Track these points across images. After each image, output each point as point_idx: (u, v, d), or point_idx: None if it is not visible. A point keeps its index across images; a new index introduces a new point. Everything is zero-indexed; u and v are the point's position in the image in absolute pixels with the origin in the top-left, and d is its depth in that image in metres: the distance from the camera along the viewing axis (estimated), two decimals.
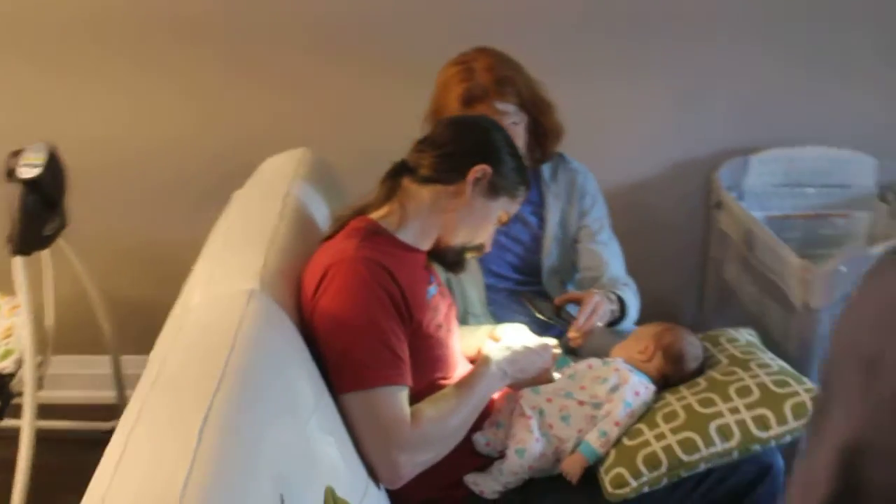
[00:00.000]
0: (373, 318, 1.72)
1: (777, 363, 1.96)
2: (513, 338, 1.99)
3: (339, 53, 2.97)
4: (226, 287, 1.78)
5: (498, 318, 2.41)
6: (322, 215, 2.26)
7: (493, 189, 1.88)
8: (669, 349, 1.98)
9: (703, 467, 1.81)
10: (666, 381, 1.98)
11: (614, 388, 1.91)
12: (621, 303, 2.22)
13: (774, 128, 3.12)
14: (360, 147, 2.75)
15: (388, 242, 1.85)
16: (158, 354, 1.58)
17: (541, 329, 2.32)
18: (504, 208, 1.93)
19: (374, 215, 1.89)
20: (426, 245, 1.92)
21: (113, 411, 2.93)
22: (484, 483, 1.86)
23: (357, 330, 1.72)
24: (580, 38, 2.97)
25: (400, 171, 1.91)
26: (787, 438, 1.81)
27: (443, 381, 1.91)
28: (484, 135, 1.90)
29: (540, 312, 2.12)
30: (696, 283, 3.33)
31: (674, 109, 3.10)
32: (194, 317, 1.66)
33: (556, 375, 1.99)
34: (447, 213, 1.87)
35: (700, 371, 1.99)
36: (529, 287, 2.41)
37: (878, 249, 2.32)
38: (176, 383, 1.43)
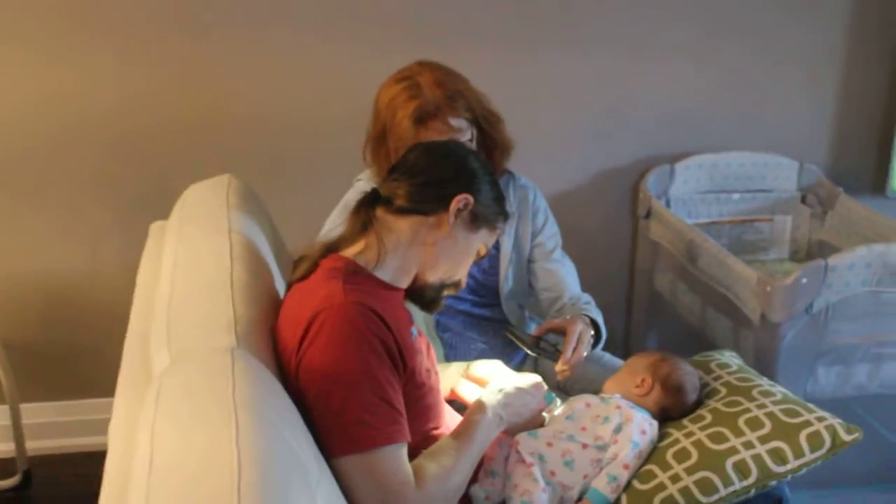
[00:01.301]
0: (369, 370, 1.54)
1: (778, 389, 1.88)
2: (502, 378, 1.83)
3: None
4: (199, 344, 1.56)
5: (448, 344, 2.25)
6: (265, 250, 2.04)
7: (474, 220, 1.72)
8: (668, 381, 1.86)
9: None
10: (665, 415, 1.87)
11: (618, 428, 1.78)
12: (594, 325, 2.10)
13: (698, 135, 3.10)
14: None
15: (369, 282, 1.67)
16: (142, 427, 1.34)
17: (498, 357, 2.18)
18: (483, 241, 1.77)
19: (349, 252, 1.70)
20: (405, 283, 1.75)
21: (9, 466, 2.61)
22: None
23: (353, 385, 1.53)
24: (500, 49, 2.85)
25: (372, 202, 1.72)
26: (803, 471, 1.71)
27: (436, 432, 1.73)
28: (462, 161, 1.74)
29: (527, 346, 1.97)
30: (624, 295, 3.25)
31: (596, 121, 3.03)
32: (175, 381, 1.43)
33: (546, 416, 1.84)
34: (427, 246, 1.71)
35: (699, 402, 1.88)
36: (487, 310, 2.27)
37: (836, 260, 2.28)
38: (186, 470, 1.20)
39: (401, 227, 1.70)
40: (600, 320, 2.16)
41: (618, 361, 2.24)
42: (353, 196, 2.20)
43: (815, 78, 3.08)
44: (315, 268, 1.71)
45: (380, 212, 1.72)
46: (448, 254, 1.73)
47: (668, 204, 3.04)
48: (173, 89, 2.74)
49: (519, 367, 2.32)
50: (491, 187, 1.76)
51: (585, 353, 1.96)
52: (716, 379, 1.95)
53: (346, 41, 2.77)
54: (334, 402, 1.52)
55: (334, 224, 2.18)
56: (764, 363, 2.42)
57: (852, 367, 2.46)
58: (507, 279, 2.25)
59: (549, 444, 1.78)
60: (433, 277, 1.76)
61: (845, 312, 2.38)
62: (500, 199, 1.78)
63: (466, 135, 2.05)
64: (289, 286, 1.76)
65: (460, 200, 1.68)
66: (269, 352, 1.63)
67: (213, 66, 2.73)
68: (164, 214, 2.31)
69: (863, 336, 2.43)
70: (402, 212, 1.70)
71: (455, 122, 2.02)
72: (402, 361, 1.60)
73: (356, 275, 1.66)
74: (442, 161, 1.74)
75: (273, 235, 2.20)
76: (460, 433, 1.71)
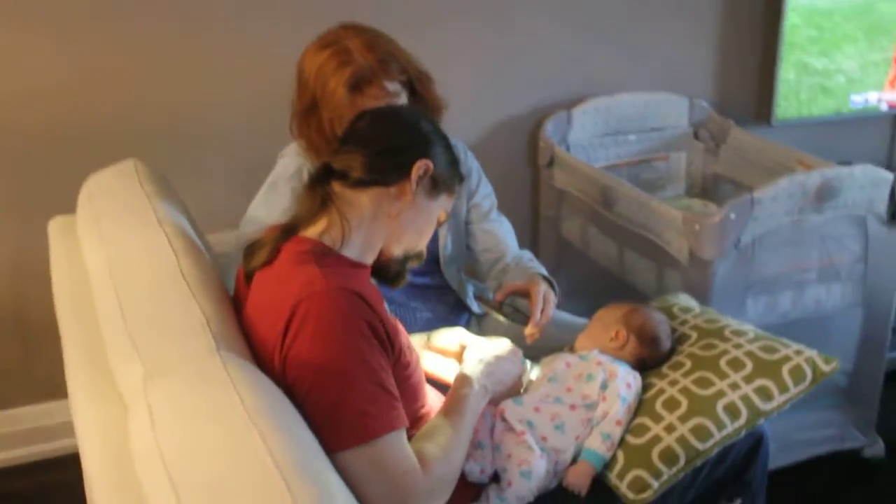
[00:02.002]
0: (362, 357, 1.44)
1: (748, 327, 1.89)
2: (478, 348, 1.76)
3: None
4: (176, 351, 1.41)
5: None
6: (197, 240, 1.89)
7: (434, 186, 1.64)
8: (642, 331, 1.84)
9: (715, 452, 1.68)
10: (642, 365, 1.84)
11: (604, 385, 1.74)
12: (549, 283, 2.05)
13: (590, 80, 3.07)
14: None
15: (340, 263, 1.56)
16: (144, 453, 1.20)
17: (443, 324, 2.11)
18: (443, 207, 1.69)
19: (311, 232, 1.58)
20: (371, 259, 1.65)
21: None
22: None
23: (347, 375, 1.43)
24: (386, 3, 2.74)
25: (326, 177, 1.61)
26: (787, 406, 1.72)
27: (423, 411, 1.65)
28: (415, 126, 1.65)
29: (499, 313, 1.90)
30: (528, 246, 3.21)
31: (487, 72, 2.96)
32: (166, 396, 1.28)
33: (523, 380, 1.79)
34: (390, 218, 1.61)
35: (673, 349, 1.86)
36: (428, 277, 2.18)
37: (761, 193, 2.30)
38: (230, 495, 1.08)
39: (361, 200, 1.59)
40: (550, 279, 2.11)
41: (570, 317, 2.19)
42: (282, 174, 2.05)
43: (695, 12, 3.12)
44: (277, 253, 1.58)
45: (336, 187, 1.60)
46: (412, 224, 1.64)
47: (567, 150, 3.01)
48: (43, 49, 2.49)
49: None
50: (445, 150, 1.67)
51: (550, 314, 1.91)
52: (682, 324, 1.94)
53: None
54: (329, 395, 1.41)
55: (267, 208, 2.03)
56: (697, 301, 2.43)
57: (777, 295, 2.50)
58: (446, 244, 2.16)
59: (537, 410, 1.73)
60: (398, 250, 1.66)
61: (771, 243, 2.41)
62: (455, 161, 1.69)
63: (402, 98, 1.94)
64: (247, 275, 1.62)
65: (420, 167, 1.59)
66: (246, 349, 1.50)
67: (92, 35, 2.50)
68: (60, 208, 2.11)
69: (787, 265, 2.48)
70: (361, 184, 1.59)
71: (391, 86, 1.91)
72: (389, 342, 1.51)
73: (326, 256, 1.55)
74: (395, 127, 1.64)
75: (193, 223, 2.04)
76: (451, 410, 1.63)
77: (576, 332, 2.03)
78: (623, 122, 3.10)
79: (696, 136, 3.19)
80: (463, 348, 1.85)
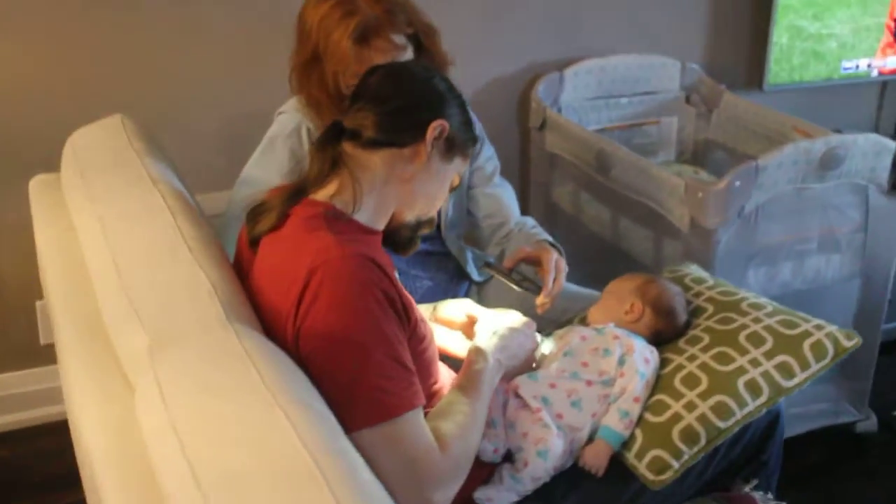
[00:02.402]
0: (379, 329, 1.36)
1: (765, 300, 1.83)
2: (491, 320, 1.68)
3: None
4: (185, 320, 1.32)
5: None
6: (192, 201, 1.79)
7: (450, 148, 1.55)
8: (658, 303, 1.77)
9: (735, 430, 1.63)
10: (658, 339, 1.77)
11: (622, 360, 1.67)
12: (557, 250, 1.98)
13: (581, 40, 2.98)
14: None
15: (352, 228, 1.48)
16: (155, 430, 1.11)
17: (444, 292, 2.03)
18: (457, 170, 1.60)
19: (321, 195, 1.49)
20: (382, 224, 1.56)
21: None
22: (498, 496, 1.57)
23: (365, 348, 1.35)
24: None
25: (337, 136, 1.51)
26: (808, 383, 1.67)
27: (435, 387, 1.57)
28: (429, 83, 1.56)
29: (511, 281, 1.82)
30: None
31: (476, 30, 2.85)
32: (178, 370, 1.19)
33: (537, 354, 1.72)
34: (404, 182, 1.52)
35: (689, 322, 1.80)
36: (428, 244, 2.10)
37: (766, 160, 2.24)
38: (258, 482, 1.00)
39: (374, 162, 1.50)
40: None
41: (577, 288, 2.12)
42: (280, 131, 1.95)
43: None
44: (286, 217, 1.48)
45: (348, 147, 1.51)
46: (425, 188, 1.56)
47: (559, 112, 2.93)
48: None
49: None
50: (461, 110, 1.58)
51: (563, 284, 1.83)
52: (697, 296, 1.87)
53: None
54: (347, 368, 1.34)
55: (263, 168, 1.93)
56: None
57: (778, 265, 2.46)
58: (447, 209, 2.08)
59: (552, 385, 1.65)
60: (410, 215, 1.58)
61: (773, 212, 2.36)
62: (470, 122, 1.60)
63: (408, 52, 1.85)
64: (253, 240, 1.53)
65: (436, 127, 1.50)
66: (256, 320, 1.41)
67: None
68: (42, 167, 2.00)
69: (788, 234, 2.43)
70: (374, 145, 1.50)
71: (398, 38, 1.81)
72: (405, 313, 1.43)
73: (338, 221, 1.46)
74: (409, 84, 1.54)
75: (184, 183, 1.93)
76: (466, 386, 1.55)
77: (584, 303, 1.96)
78: (615, 85, 3.02)
79: (687, 100, 3.12)
80: (470, 320, 1.77)
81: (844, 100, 3.40)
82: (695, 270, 1.99)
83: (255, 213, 1.54)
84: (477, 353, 1.60)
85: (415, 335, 1.47)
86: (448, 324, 1.81)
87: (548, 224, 2.95)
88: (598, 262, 2.75)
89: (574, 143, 2.72)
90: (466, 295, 2.18)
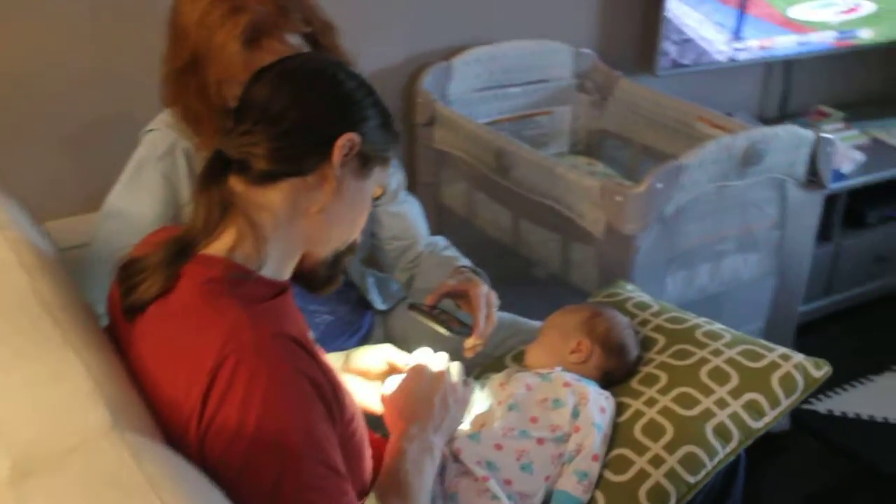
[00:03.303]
0: (306, 429, 1.12)
1: (719, 327, 1.65)
2: (390, 379, 1.42)
3: None
4: (59, 433, 1.01)
5: None
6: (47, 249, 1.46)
7: (365, 162, 1.27)
8: (608, 340, 1.56)
9: (705, 482, 1.43)
10: (608, 380, 1.56)
11: (576, 412, 1.45)
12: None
13: (469, 26, 2.74)
14: None
15: (261, 290, 1.20)
16: None
17: (346, 327, 1.77)
18: (378, 182, 1.32)
19: (216, 248, 1.20)
20: (290, 272, 1.28)
21: None
22: None
23: (289, 453, 1.09)
24: None
25: (222, 170, 1.22)
26: (777, 420, 1.49)
27: (367, 474, 1.31)
28: (334, 85, 1.26)
29: (440, 325, 1.56)
30: None
31: (354, 15, 2.55)
32: (49, 489, 0.89)
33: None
34: (312, 215, 1.24)
35: (640, 357, 1.59)
36: None
37: (688, 159, 2.06)
38: None
39: (273, 199, 1.22)
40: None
41: (501, 315, 1.87)
42: (149, 153, 1.63)
43: None
44: (175, 279, 1.18)
45: (236, 184, 1.22)
46: (340, 216, 1.28)
47: (447, 106, 2.68)
48: None
49: (366, 338, 1.90)
50: (374, 110, 1.29)
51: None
52: (643, 325, 1.67)
53: None
54: (267, 481, 1.08)
55: (132, 198, 1.61)
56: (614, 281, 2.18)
57: (695, 269, 2.30)
58: None
59: (499, 447, 1.42)
60: (326, 251, 1.31)
61: (693, 213, 2.19)
62: (387, 121, 1.31)
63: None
64: (131, 308, 1.22)
65: (343, 145, 1.22)
66: (152, 423, 1.11)
67: None
68: None
69: (707, 236, 2.27)
70: (269, 178, 1.21)
71: (293, 39, 1.53)
72: (336, 400, 1.17)
73: (243, 283, 1.18)
74: (306, 92, 1.24)
75: (26, 213, 1.59)
76: (397, 471, 1.29)
77: (510, 332, 1.73)
78: (506, 74, 2.78)
79: (581, 88, 2.92)
80: (391, 368, 1.51)
81: (732, 83, 3.28)
82: (633, 292, 1.78)
83: (131, 272, 1.23)
84: (404, 434, 1.33)
85: (342, 420, 1.20)
86: (364, 374, 1.54)
87: (436, 228, 2.70)
88: (495, 269, 2.51)
89: (468, 141, 2.47)
90: (371, 326, 1.92)
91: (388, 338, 1.98)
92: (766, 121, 3.35)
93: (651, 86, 2.86)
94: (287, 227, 1.23)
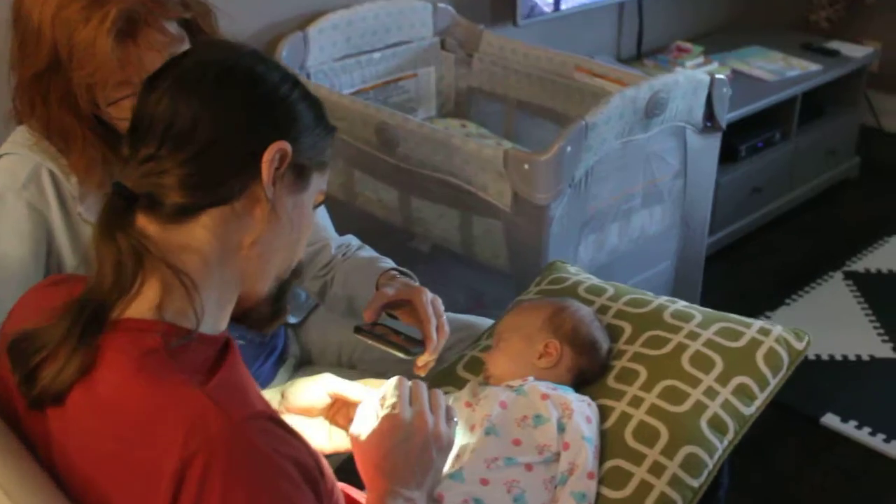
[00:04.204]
0: None
1: (682, 304, 1.51)
2: (361, 412, 1.20)
3: None
4: None
5: None
6: None
7: (300, 173, 1.04)
8: (577, 336, 1.39)
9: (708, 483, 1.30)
10: (580, 381, 1.40)
11: (561, 426, 1.28)
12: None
13: None
14: None
15: (204, 352, 0.96)
16: None
17: (258, 349, 1.55)
18: (318, 188, 1.10)
19: (137, 310, 0.95)
20: (227, 320, 1.05)
21: None
22: None
23: None
24: None
25: (126, 210, 0.97)
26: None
27: None
28: (252, 85, 1.01)
29: (392, 347, 1.35)
30: None
31: None
32: None
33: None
34: (246, 249, 1.01)
35: (611, 349, 1.43)
36: None
37: (594, 117, 1.92)
38: None
39: (196, 238, 0.98)
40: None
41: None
42: (7, 184, 1.34)
43: None
44: (94, 351, 0.93)
45: (147, 224, 0.97)
46: (280, 242, 1.05)
47: (308, 79, 2.43)
48: None
49: (282, 357, 1.68)
50: (307, 106, 1.05)
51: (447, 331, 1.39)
52: (603, 312, 1.51)
53: None
54: None
55: None
56: (526, 254, 2.02)
57: (605, 231, 2.17)
58: None
59: (485, 482, 1.24)
60: (268, 285, 1.08)
61: (601, 173, 2.06)
62: (320, 113, 1.08)
63: (185, 44, 1.30)
64: (38, 400, 0.96)
65: (273, 158, 0.99)
66: None
67: None
68: None
69: (614, 195, 2.14)
70: (186, 212, 0.97)
71: (172, 27, 1.26)
72: (321, 475, 0.96)
73: (186, 350, 0.93)
74: (218, 96, 1.00)
75: None
76: None
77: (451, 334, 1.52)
78: (365, 39, 2.56)
79: (443, 46, 2.72)
80: (336, 401, 1.29)
81: (588, 26, 3.17)
82: (578, 274, 1.62)
83: (25, 351, 0.96)
84: (385, 498, 1.12)
85: (327, 491, 0.99)
86: (307, 412, 1.31)
87: None
88: (385, 253, 2.32)
89: (343, 117, 2.23)
90: (285, 343, 1.69)
91: (304, 352, 1.76)
92: (625, 61, 3.25)
93: (513, 36, 2.70)
94: (219, 268, 0.99)
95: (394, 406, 1.14)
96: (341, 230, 1.98)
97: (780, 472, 2.21)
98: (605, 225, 2.15)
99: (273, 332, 1.56)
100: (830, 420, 2.35)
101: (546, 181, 1.92)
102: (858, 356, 2.58)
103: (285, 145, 0.99)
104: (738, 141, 3.01)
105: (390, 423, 1.12)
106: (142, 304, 0.95)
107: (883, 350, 2.61)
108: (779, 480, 2.19)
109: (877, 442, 2.28)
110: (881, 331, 2.69)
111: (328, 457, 1.13)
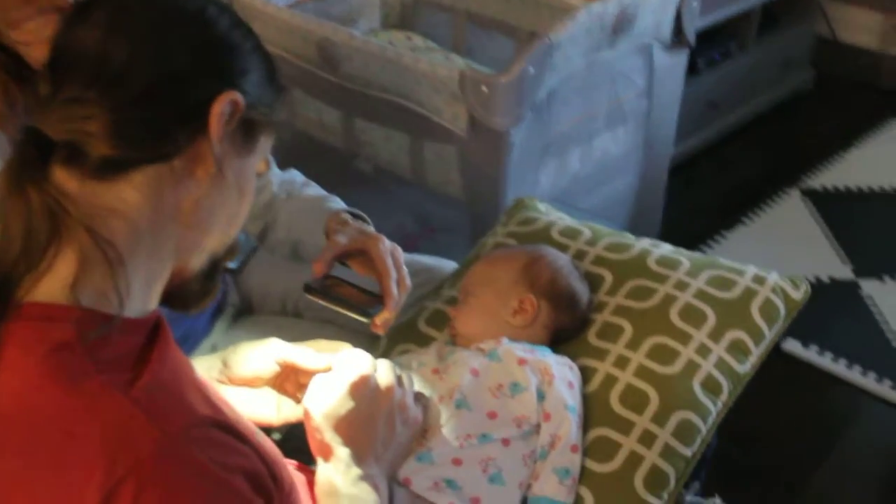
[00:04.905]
0: None
1: (668, 248, 1.38)
2: (315, 388, 1.05)
3: None
4: None
5: None
6: None
7: (250, 131, 0.88)
8: (555, 289, 1.25)
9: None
10: (557, 339, 1.26)
11: (540, 394, 1.14)
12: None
13: None
14: None
15: (131, 342, 0.80)
16: None
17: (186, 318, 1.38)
18: (264, 154, 0.94)
19: (48, 290, 0.78)
20: (156, 300, 0.88)
21: None
22: None
23: None
24: None
25: (41, 160, 0.79)
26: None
27: None
28: (203, 26, 0.84)
29: (348, 308, 1.19)
30: None
31: None
32: None
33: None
34: (183, 216, 0.85)
35: (591, 301, 1.30)
36: None
37: (559, 34, 1.75)
38: None
39: (125, 199, 0.81)
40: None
41: None
42: None
43: None
44: None
45: (66, 179, 0.80)
46: (221, 210, 0.88)
47: None
48: None
49: (222, 307, 1.51)
50: (258, 57, 0.89)
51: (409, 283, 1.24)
52: (579, 257, 1.37)
53: None
54: None
55: None
56: (483, 183, 1.87)
57: (567, 156, 2.02)
58: None
59: (458, 462, 1.10)
60: (202, 260, 0.92)
61: (564, 95, 1.90)
62: (272, 71, 0.91)
63: None
64: None
65: (222, 111, 0.82)
66: None
67: None
68: None
69: (577, 117, 1.98)
70: (115, 168, 0.80)
71: None
72: (275, 481, 0.82)
73: (107, 342, 0.77)
74: (163, 33, 0.82)
75: None
76: None
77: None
78: None
79: None
80: (286, 369, 1.14)
81: None
82: (549, 213, 1.48)
83: None
84: (335, 467, 0.99)
85: (284, 496, 0.84)
86: (251, 383, 1.15)
87: None
88: (324, 181, 2.15)
89: (280, 32, 2.03)
90: (224, 292, 1.52)
91: (244, 300, 1.60)
92: None
93: None
94: (151, 237, 0.83)
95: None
96: (277, 152, 1.79)
97: (740, 400, 2.13)
98: (567, 149, 2.00)
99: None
100: (792, 346, 2.26)
101: (506, 105, 1.76)
102: (818, 278, 2.49)
103: (238, 96, 0.82)
104: (695, 54, 2.85)
105: (354, 384, 0.99)
106: (52, 283, 0.77)
107: (843, 272, 2.53)
108: (739, 408, 2.11)
109: (840, 368, 2.20)
110: (840, 251, 2.61)
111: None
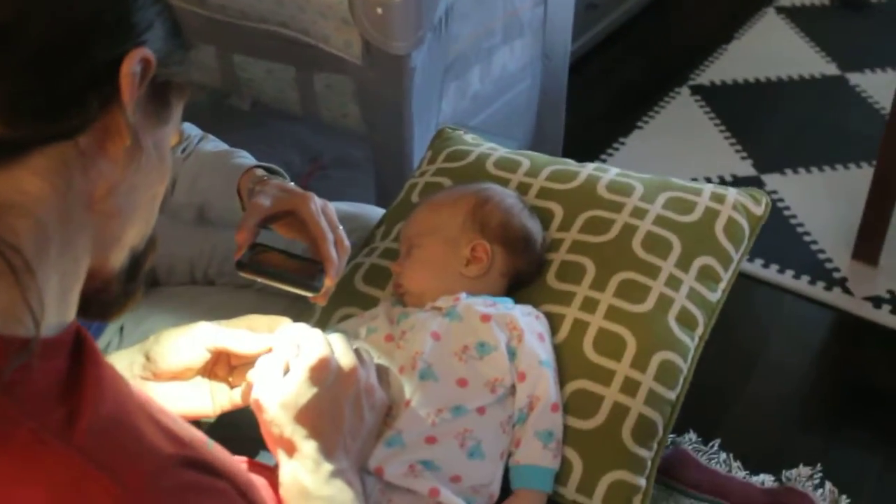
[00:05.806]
0: None
1: (617, 172, 1.25)
2: (263, 373, 0.92)
3: None
4: None
5: None
6: None
7: (162, 96, 0.72)
8: (509, 233, 1.12)
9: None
10: (515, 285, 1.14)
11: (511, 352, 1.02)
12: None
13: None
14: None
15: (55, 368, 0.63)
16: None
17: None
18: (178, 126, 0.78)
19: None
20: (73, 310, 0.72)
21: None
22: None
23: None
24: None
25: None
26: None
27: None
28: None
29: (255, 274, 1.03)
30: None
31: None
32: None
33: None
34: (98, 203, 0.68)
35: (545, 239, 1.18)
36: None
37: None
38: None
39: (25, 190, 0.64)
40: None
41: None
42: None
43: None
44: None
45: None
46: (141, 193, 0.73)
47: None
48: None
49: None
50: (165, 10, 0.72)
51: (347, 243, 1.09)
52: (522, 191, 1.24)
53: None
54: None
55: None
56: (385, 112, 1.73)
57: (467, 76, 1.88)
58: None
59: (432, 440, 0.97)
60: (122, 256, 0.76)
61: (461, 9, 1.76)
62: (178, 25, 0.75)
63: None
64: None
65: (134, 72, 0.65)
66: None
67: None
68: None
69: (475, 33, 1.84)
70: (10, 151, 0.62)
71: None
72: None
73: (23, 378, 0.60)
74: None
75: None
76: None
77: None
78: None
79: None
80: (217, 357, 0.99)
81: None
82: (478, 144, 1.33)
83: None
84: (300, 465, 0.86)
85: None
86: (180, 376, 1.00)
87: None
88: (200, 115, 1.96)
89: None
90: None
91: (147, 274, 1.40)
92: None
93: None
94: (61, 234, 0.66)
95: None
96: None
97: None
98: (467, 68, 1.87)
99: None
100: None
101: (404, 27, 1.61)
102: (721, 177, 2.44)
103: (148, 53, 0.65)
104: None
105: (313, 368, 0.85)
106: None
107: (744, 168, 2.49)
108: None
109: (756, 268, 2.16)
110: (738, 147, 2.57)
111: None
